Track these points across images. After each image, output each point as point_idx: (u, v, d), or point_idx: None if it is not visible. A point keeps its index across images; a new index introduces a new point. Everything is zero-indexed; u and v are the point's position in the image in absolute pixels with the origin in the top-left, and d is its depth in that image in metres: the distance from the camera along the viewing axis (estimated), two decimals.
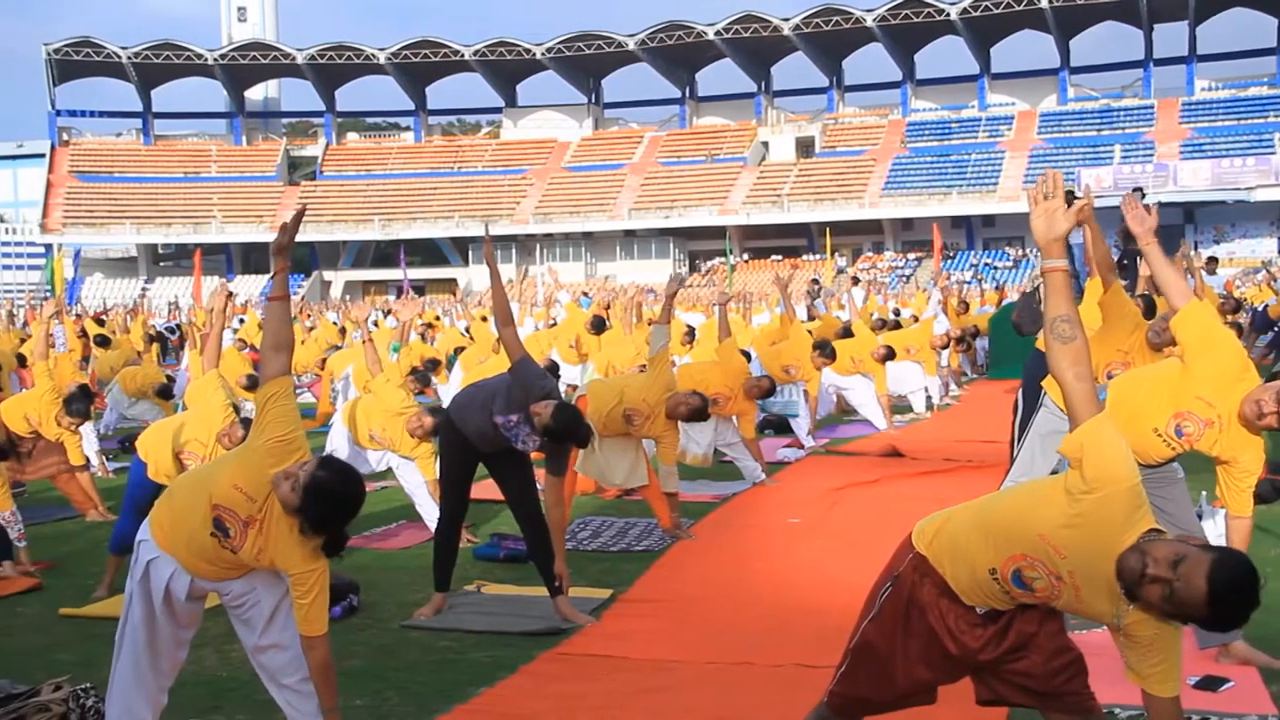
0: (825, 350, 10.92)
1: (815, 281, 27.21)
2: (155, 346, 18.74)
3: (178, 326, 24.21)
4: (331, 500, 3.46)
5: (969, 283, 33.95)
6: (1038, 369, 5.87)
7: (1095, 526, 2.84)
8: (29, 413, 8.31)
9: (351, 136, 77.15)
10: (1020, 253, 56.50)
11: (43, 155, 71.50)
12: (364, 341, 7.85)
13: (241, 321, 22.92)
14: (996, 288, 32.79)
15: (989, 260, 56.33)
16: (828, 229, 52.19)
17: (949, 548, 3.13)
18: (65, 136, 71.26)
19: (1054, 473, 5.24)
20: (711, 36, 63.71)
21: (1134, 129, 58.39)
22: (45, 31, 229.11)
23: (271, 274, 3.78)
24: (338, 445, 7.97)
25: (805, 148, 65.86)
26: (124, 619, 3.79)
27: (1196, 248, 39.68)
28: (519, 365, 5.47)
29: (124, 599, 3.83)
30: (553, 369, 10.91)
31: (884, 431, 12.17)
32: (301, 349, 16.55)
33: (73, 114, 72.24)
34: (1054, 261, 3.11)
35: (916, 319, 17.53)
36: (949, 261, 53.38)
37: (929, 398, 14.15)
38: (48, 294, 44.22)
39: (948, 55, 78.69)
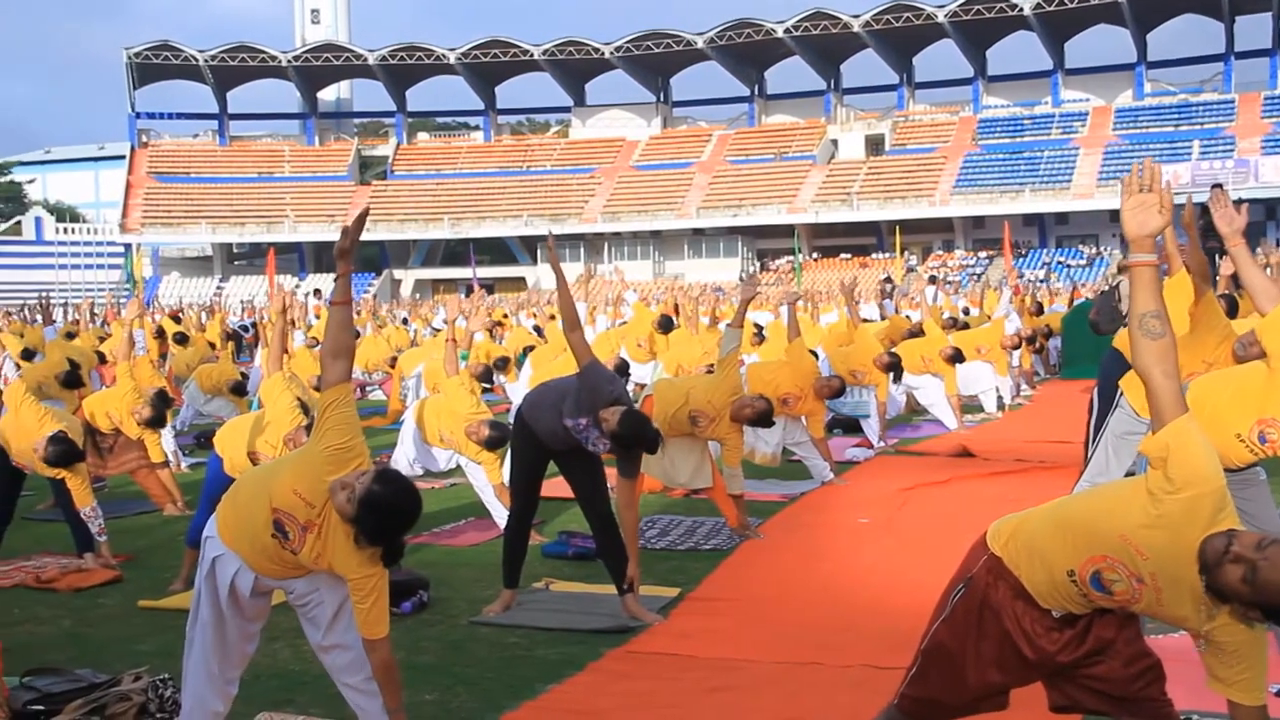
0: (891, 367, 10.86)
1: (888, 280, 26.99)
2: (230, 344, 19.01)
3: (252, 324, 24.56)
4: (386, 514, 3.46)
5: (1042, 281, 33.47)
6: (1114, 368, 5.79)
7: (1178, 528, 2.78)
8: (110, 410, 8.49)
9: (422, 136, 77.80)
10: (1094, 251, 55.69)
11: (123, 157, 72.99)
12: (448, 341, 7.90)
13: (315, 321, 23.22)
14: (1078, 285, 32.26)
15: (1062, 258, 55.59)
16: (897, 227, 51.75)
17: (1025, 549, 3.08)
18: (144, 138, 72.59)
19: (1129, 474, 5.16)
20: (781, 34, 63.42)
21: (1213, 124, 57.25)
22: (124, 36, 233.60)
23: (335, 276, 3.75)
24: (408, 443, 8.03)
25: (875, 145, 65.36)
26: (193, 613, 3.85)
27: (1279, 246, 38.85)
28: (587, 369, 5.48)
29: (193, 593, 3.89)
30: (623, 368, 10.91)
31: (954, 431, 12.05)
32: (373, 347, 16.72)
33: (151, 116, 73.57)
34: (1142, 256, 2.99)
35: (989, 318, 17.33)
36: (1021, 260, 52.75)
37: (1000, 397, 13.98)
38: (127, 292, 45.11)
39: (1020, 51, 77.60)
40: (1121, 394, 5.47)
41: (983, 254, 57.72)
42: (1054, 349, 18.60)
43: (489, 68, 69.89)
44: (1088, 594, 2.97)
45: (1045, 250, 57.78)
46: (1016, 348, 14.28)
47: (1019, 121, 62.79)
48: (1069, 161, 58.17)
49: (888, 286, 22.06)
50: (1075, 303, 20.94)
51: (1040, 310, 18.80)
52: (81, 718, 4.34)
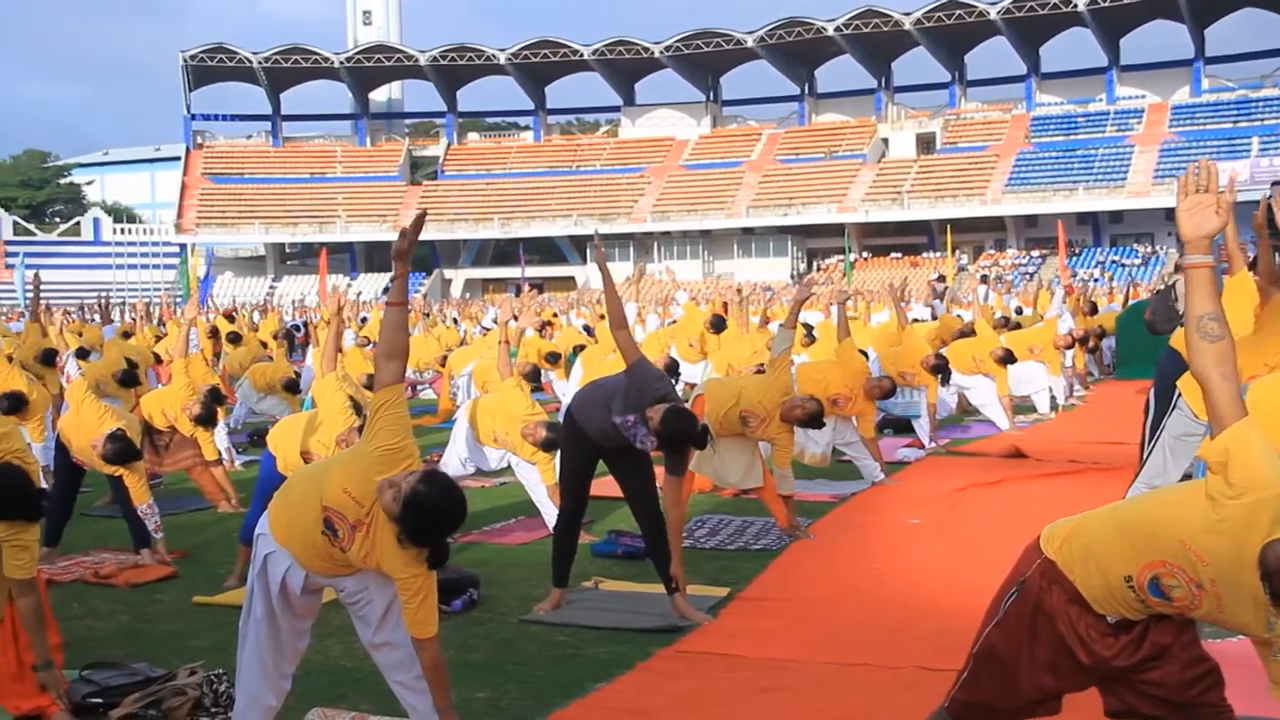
0: (938, 370, 10.78)
1: (940, 279, 26.77)
2: (283, 343, 19.19)
3: (304, 324, 24.80)
4: (430, 515, 3.47)
5: (1096, 280, 33.10)
6: (1171, 369, 5.71)
7: (1240, 532, 2.73)
8: (166, 408, 8.61)
9: (472, 136, 78.22)
10: (1150, 249, 55.03)
11: (178, 158, 74.02)
12: (500, 343, 7.94)
13: (365, 320, 23.40)
14: (1132, 283, 31.85)
15: (1116, 257, 54.98)
16: (948, 226, 51.39)
17: (1080, 553, 3.04)
18: (199, 140, 73.53)
19: (1186, 476, 5.09)
20: (831, 33, 63.16)
21: (1273, 120, 56.32)
22: (177, 38, 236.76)
23: (391, 277, 3.79)
24: (460, 442, 8.07)
25: (926, 144, 64.97)
26: (246, 609, 3.89)
27: None
28: (635, 367, 5.48)
29: (246, 589, 3.93)
30: (672, 367, 10.90)
31: (1006, 432, 11.94)
32: (423, 347, 16.83)
33: (206, 118, 74.50)
34: (1198, 257, 2.93)
35: (1041, 318, 17.17)
36: (1074, 259, 52.22)
37: (1053, 398, 13.84)
38: (182, 293, 45.65)
39: (1074, 47, 76.94)
40: (1179, 394, 5.40)
41: (1035, 253, 57.23)
42: (1108, 349, 18.39)
43: (539, 68, 70.13)
44: (1145, 600, 2.92)
45: (1099, 249, 57.17)
46: (1069, 348, 14.13)
47: (1073, 119, 62.13)
48: (1124, 159, 57.50)
49: (939, 286, 21.88)
50: (1130, 302, 20.67)
51: (1094, 310, 18.58)
52: (139, 711, 4.41)
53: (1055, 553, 3.08)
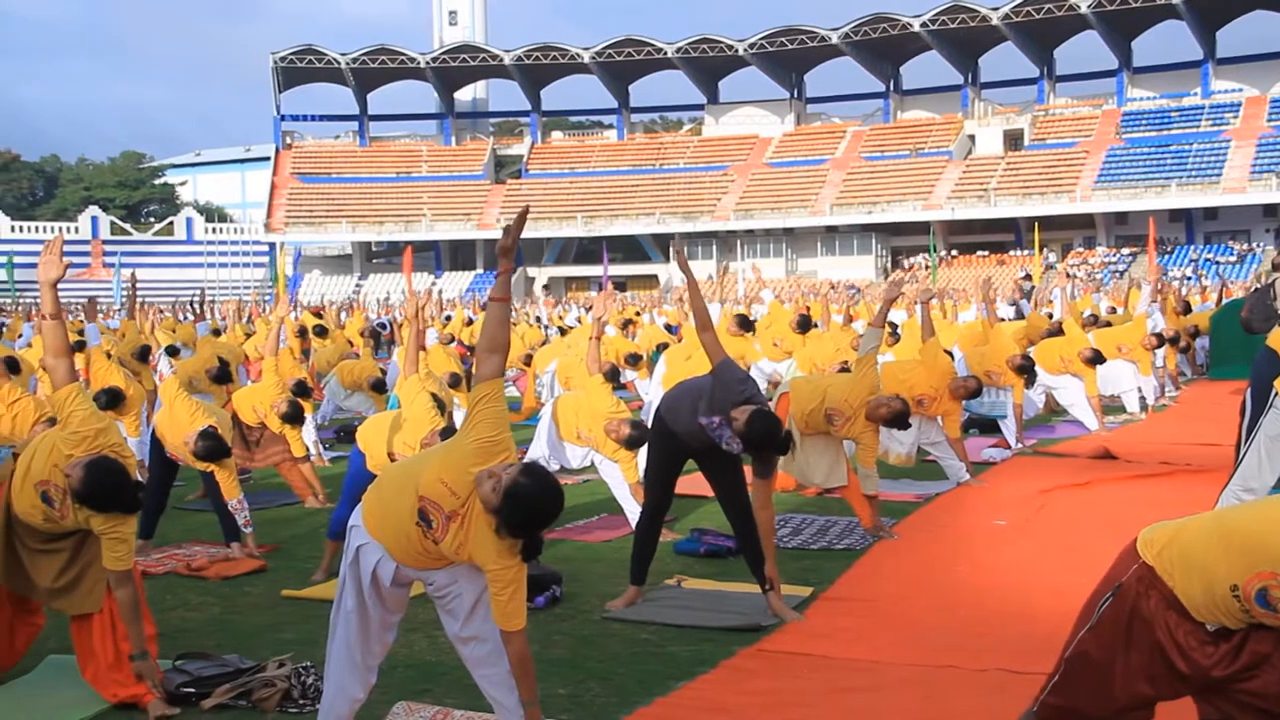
0: (1023, 370, 10.61)
1: (1027, 278, 26.35)
2: (370, 341, 19.46)
3: (389, 322, 25.11)
4: (530, 506, 3.50)
5: (1190, 279, 32.38)
6: (1268, 369, 5.58)
7: None
8: (256, 404, 8.78)
9: (556, 135, 78.66)
10: (1245, 247, 53.74)
11: (268, 158, 75.44)
12: (591, 339, 7.97)
13: (449, 318, 23.62)
14: (1228, 282, 31.12)
15: (1210, 255, 53.76)
16: (1036, 224, 50.63)
17: (1181, 560, 2.96)
18: (288, 140, 74.83)
19: None
20: (917, 28, 62.56)
21: None
22: (267, 42, 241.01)
23: (496, 274, 3.83)
24: (543, 439, 8.11)
25: (1013, 140, 64.09)
26: (337, 601, 3.93)
27: None
28: (720, 368, 5.47)
29: (337, 582, 3.98)
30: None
31: (1095, 432, 11.73)
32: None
33: (295, 118, 75.76)
34: None
35: (1131, 316, 16.86)
36: (1166, 257, 51.16)
37: (1143, 398, 13.57)
38: (271, 291, 46.49)
39: (1168, 40, 75.40)
40: (1276, 395, 5.28)
41: (1125, 251, 56.18)
42: (1201, 349, 17.99)
43: (623, 66, 70.32)
44: (1251, 610, 2.85)
45: (1193, 246, 55.94)
46: (1158, 347, 13.84)
47: (1166, 114, 60.88)
48: (1219, 154, 56.21)
49: (1026, 285, 21.54)
50: (1224, 301, 20.19)
51: (1187, 309, 18.20)
52: (229, 701, 4.50)
53: (1154, 558, 3.02)
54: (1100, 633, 3.08)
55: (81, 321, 11.75)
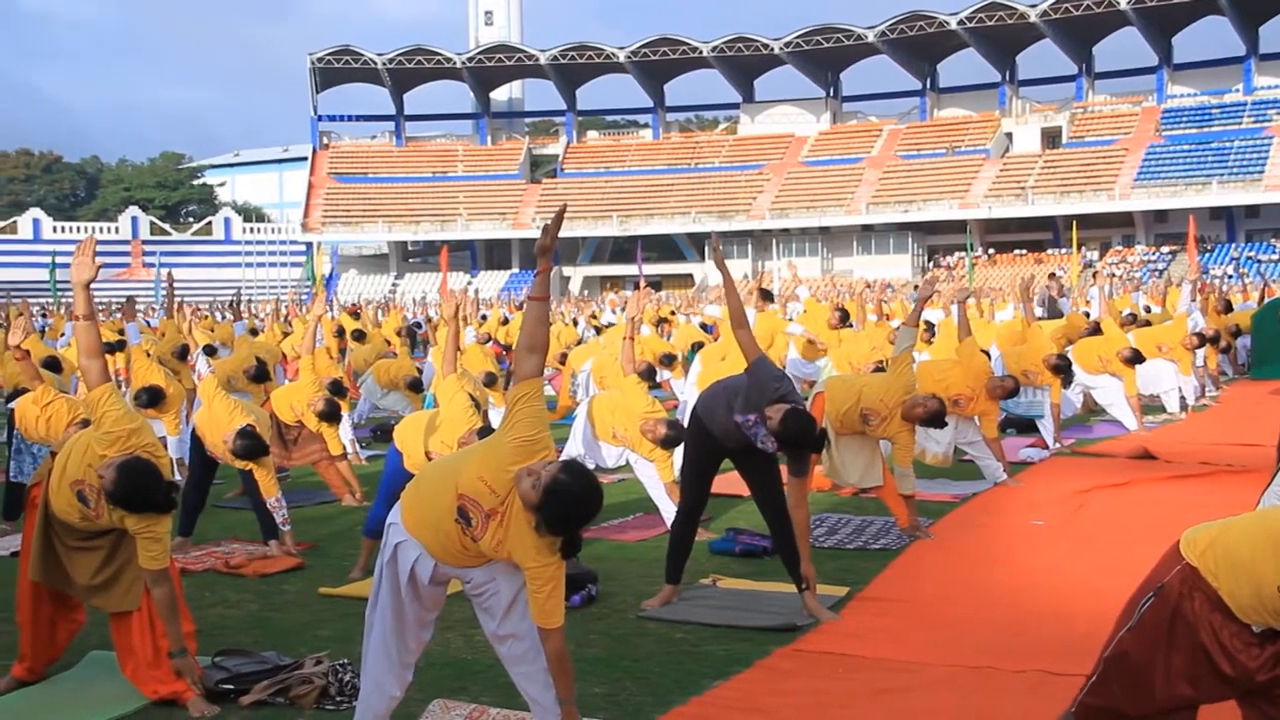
0: (1060, 370, 10.52)
1: (1052, 276, 26.05)
2: (406, 340, 19.56)
3: (425, 320, 25.21)
4: (570, 503, 3.51)
5: (1231, 277, 32.02)
6: None
7: None
8: (294, 403, 8.84)
9: (591, 134, 78.76)
10: None
11: (305, 159, 75.94)
12: (625, 339, 7.97)
13: (484, 317, 23.69)
14: (1265, 281, 30.76)
15: (1252, 253, 53.13)
16: (1074, 222, 50.21)
17: (1226, 561, 2.92)
18: (325, 140, 75.29)
19: None
20: (954, 26, 62.21)
21: None
22: (303, 43, 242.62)
23: (535, 273, 3.84)
24: (578, 438, 8.12)
25: (1051, 138, 63.64)
26: (373, 598, 3.94)
27: None
28: (755, 366, 5.47)
29: (374, 579, 3.99)
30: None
31: (1135, 432, 11.63)
32: None
33: (332, 119, 76.23)
34: None
35: (1170, 316, 16.70)
36: (1207, 255, 50.64)
37: (1183, 398, 13.43)
38: (308, 290, 46.77)
39: (1209, 36, 74.54)
40: None
41: (1165, 249, 55.66)
42: (1243, 348, 17.79)
43: (658, 65, 70.31)
44: None
45: (1234, 245, 55.33)
46: (1198, 347, 13.70)
47: (1207, 110, 60.25)
48: (1261, 151, 55.57)
49: (1052, 285, 21.28)
50: (1266, 300, 19.96)
51: (1229, 308, 18.00)
52: (267, 698, 4.53)
53: (1198, 558, 2.98)
54: (1141, 633, 3.05)
55: (121, 321, 11.87)
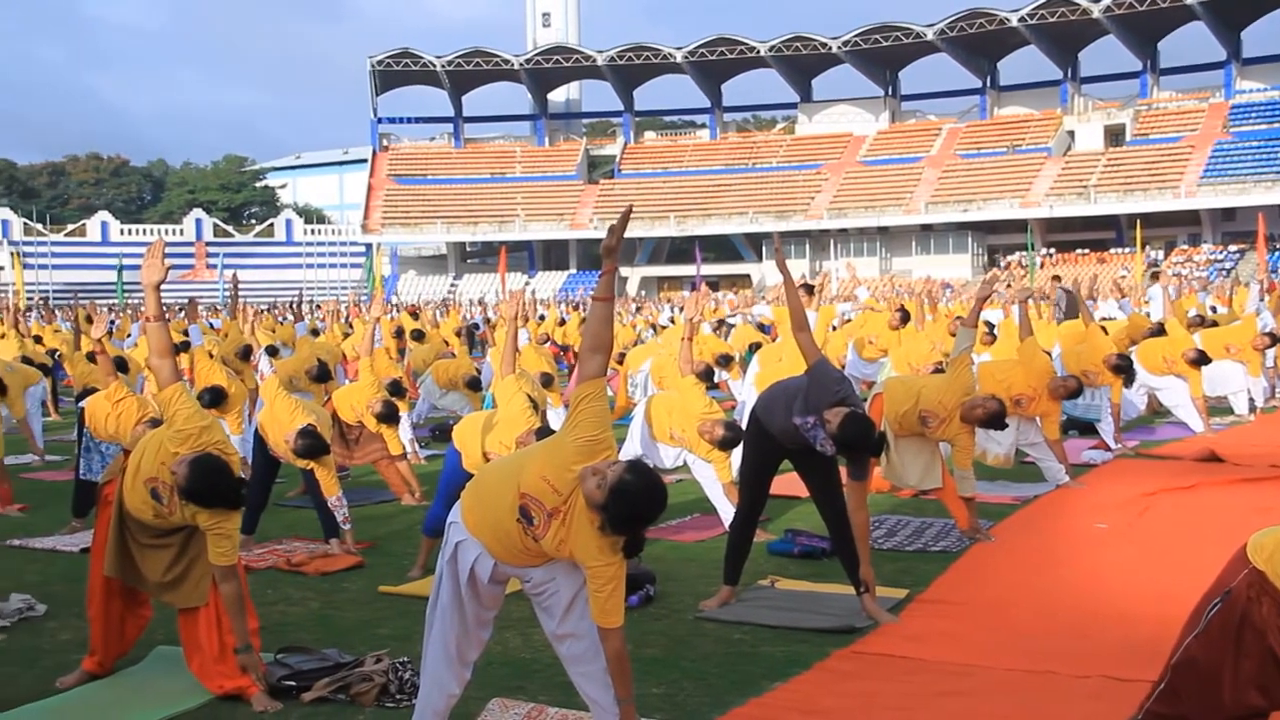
0: (1120, 370, 10.36)
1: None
2: (465, 340, 19.68)
3: (485, 321, 25.36)
4: (635, 502, 3.52)
5: None
6: None
7: None
8: (354, 403, 8.91)
9: (649, 135, 78.78)
10: None
11: (365, 161, 76.66)
12: (683, 340, 7.97)
13: (542, 318, 23.79)
14: None
15: None
16: (1138, 221, 49.52)
17: None
18: (385, 142, 75.91)
19: None
20: (1015, 23, 61.52)
21: None
22: (363, 45, 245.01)
23: (600, 274, 3.85)
24: (635, 439, 8.13)
25: (1114, 136, 62.77)
26: (434, 597, 3.97)
27: None
28: (815, 368, 5.44)
29: (434, 578, 4.01)
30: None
31: (1201, 434, 11.44)
32: None
33: (391, 121, 76.85)
34: None
35: (1238, 316, 16.41)
36: (1276, 254, 49.71)
37: (1251, 400, 13.20)
38: (368, 291, 47.18)
39: None
40: None
41: (1233, 248, 54.65)
42: None
43: (715, 65, 70.19)
44: None
45: None
46: (1268, 347, 13.46)
47: (1277, 106, 59.08)
48: None
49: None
50: None
51: None
52: (328, 695, 4.58)
53: (1265, 563, 2.93)
54: (1208, 639, 3.00)
55: (185, 322, 12.04)
